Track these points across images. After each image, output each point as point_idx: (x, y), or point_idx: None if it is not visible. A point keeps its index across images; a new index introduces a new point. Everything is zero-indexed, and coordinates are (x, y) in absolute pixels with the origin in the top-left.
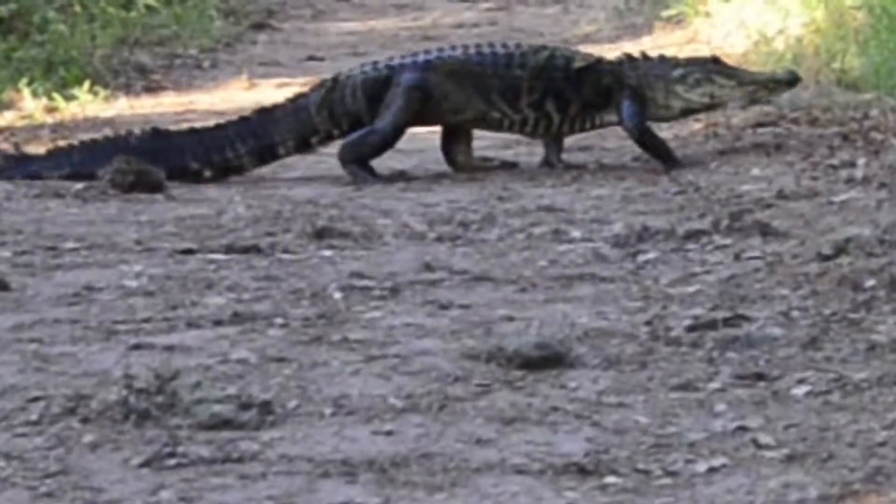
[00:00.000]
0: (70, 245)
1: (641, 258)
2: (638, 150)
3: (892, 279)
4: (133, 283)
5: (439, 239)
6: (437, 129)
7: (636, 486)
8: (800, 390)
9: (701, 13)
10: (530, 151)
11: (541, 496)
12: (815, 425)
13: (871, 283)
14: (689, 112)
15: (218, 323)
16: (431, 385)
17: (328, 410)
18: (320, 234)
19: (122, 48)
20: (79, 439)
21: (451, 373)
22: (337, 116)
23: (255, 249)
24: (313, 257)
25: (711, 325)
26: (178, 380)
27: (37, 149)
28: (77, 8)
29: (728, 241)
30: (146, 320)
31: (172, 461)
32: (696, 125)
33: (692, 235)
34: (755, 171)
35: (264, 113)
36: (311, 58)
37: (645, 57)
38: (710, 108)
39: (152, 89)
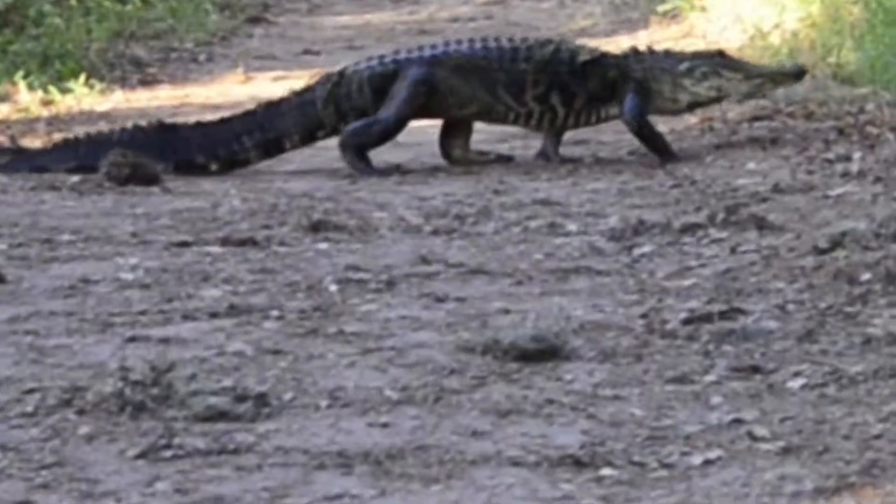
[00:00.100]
0: (66, 237)
1: (637, 251)
2: (634, 144)
3: (888, 273)
4: (129, 276)
5: (435, 232)
6: (434, 122)
7: (632, 478)
8: (795, 383)
9: (697, 7)
10: (526, 145)
11: (536, 488)
12: (810, 418)
13: (866, 276)
14: (696, 105)
15: (214, 315)
16: (427, 377)
17: (324, 402)
18: (316, 227)
19: (117, 41)
20: (74, 431)
21: (446, 365)
22: (343, 111)
23: (251, 242)
24: (309, 250)
25: (707, 318)
26: (173, 372)
27: (32, 142)
28: (73, 1)
29: (724, 234)
30: (142, 312)
31: (168, 453)
32: (692, 119)
33: (688, 229)
34: (751, 165)
35: (270, 107)
36: (307, 51)
37: (651, 51)
38: (717, 101)
39: (148, 83)
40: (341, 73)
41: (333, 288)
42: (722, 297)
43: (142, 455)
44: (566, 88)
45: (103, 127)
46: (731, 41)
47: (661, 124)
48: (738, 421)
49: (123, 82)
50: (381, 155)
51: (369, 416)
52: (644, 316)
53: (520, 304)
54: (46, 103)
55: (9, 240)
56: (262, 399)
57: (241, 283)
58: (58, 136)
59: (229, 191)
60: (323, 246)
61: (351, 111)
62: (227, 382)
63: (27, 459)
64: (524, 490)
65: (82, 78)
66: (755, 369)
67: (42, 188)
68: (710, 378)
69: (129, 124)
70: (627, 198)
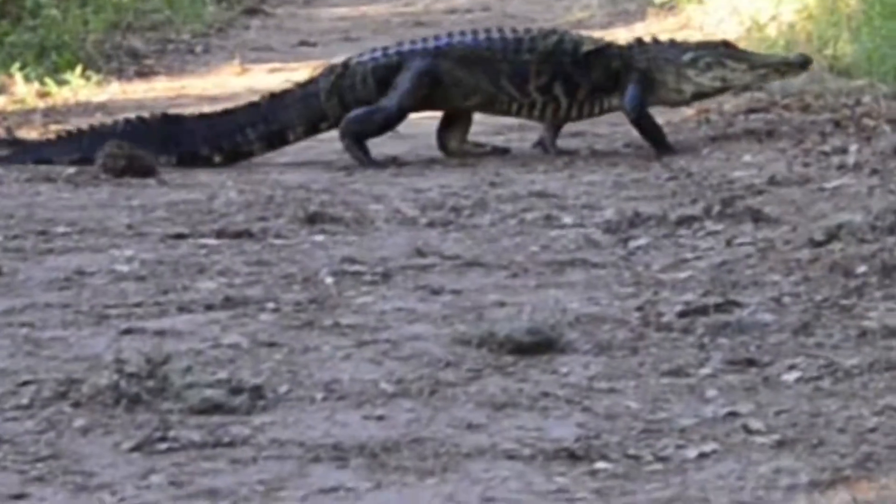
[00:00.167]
0: (61, 229)
1: (633, 244)
2: (630, 137)
3: (884, 265)
4: (124, 268)
5: (431, 224)
6: (430, 113)
7: (627, 471)
8: (791, 376)
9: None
10: (522, 137)
11: (531, 481)
12: (805, 411)
13: (862, 269)
14: (701, 96)
15: (209, 307)
16: (422, 370)
17: (319, 395)
18: (312, 219)
19: (114, 33)
20: (70, 423)
21: (442, 358)
22: (347, 102)
23: (247, 234)
24: (305, 242)
25: (703, 310)
26: (169, 364)
27: (29, 134)
28: None
29: (720, 227)
30: (137, 305)
31: (163, 445)
32: (688, 111)
33: (684, 221)
34: (747, 158)
35: (274, 98)
36: (304, 43)
37: (656, 41)
38: (721, 91)
39: (144, 74)
40: (345, 65)
41: (329, 280)
42: (717, 290)
43: (137, 447)
44: (569, 79)
45: (100, 118)
46: (728, 33)
47: (657, 116)
48: (733, 414)
49: (120, 74)
50: (377, 147)
51: (365, 409)
52: (640, 308)
53: (515, 297)
54: (43, 95)
55: (4, 231)
56: (257, 391)
57: (237, 275)
58: (55, 128)
59: (225, 183)
60: (319, 238)
61: (355, 103)
62: (223, 375)
63: (22, 452)
64: (519, 483)
65: (79, 69)
66: (750, 362)
67: (38, 180)
68: (705, 371)
69: (133, 116)
70: (623, 190)
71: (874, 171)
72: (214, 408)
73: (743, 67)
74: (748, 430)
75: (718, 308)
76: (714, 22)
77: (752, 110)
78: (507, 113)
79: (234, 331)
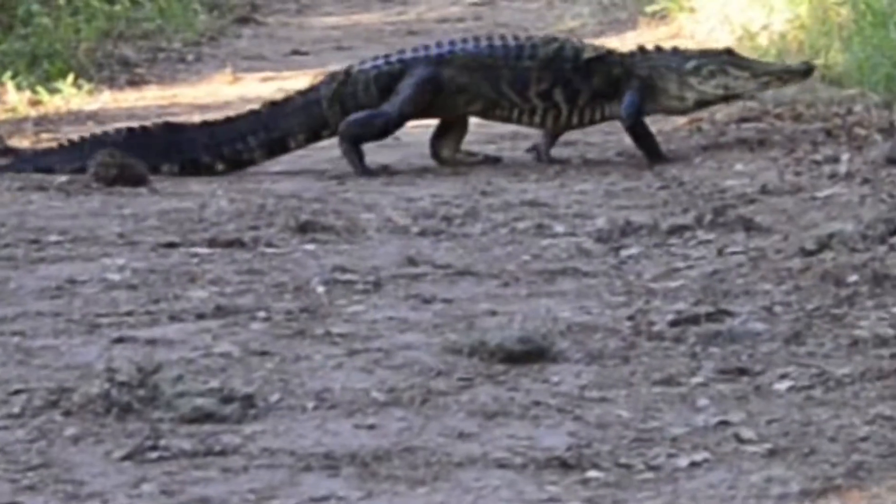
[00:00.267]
0: (53, 238)
1: (624, 253)
2: (621, 146)
3: (875, 275)
4: (116, 277)
5: (422, 233)
6: (421, 123)
7: (618, 480)
8: (782, 385)
9: (685, 8)
10: (514, 146)
11: (522, 490)
12: (797, 420)
13: (853, 278)
14: (703, 104)
15: (200, 316)
16: (414, 379)
17: (310, 404)
18: (303, 228)
19: (106, 41)
20: (61, 432)
21: (433, 367)
22: (349, 110)
23: (239, 243)
24: (296, 251)
25: (694, 319)
26: (160, 373)
27: (20, 142)
28: (61, 1)
29: (711, 236)
30: (129, 313)
31: (154, 454)
32: (679, 120)
33: (675, 230)
34: (739, 167)
35: (275, 106)
36: (296, 52)
37: (658, 49)
38: (724, 99)
39: (136, 83)
40: (347, 73)
41: (320, 289)
42: (709, 299)
43: (128, 456)
44: (570, 85)
45: (92, 127)
46: (719, 42)
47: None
48: (724, 423)
49: (111, 82)
50: (369, 155)
51: (356, 418)
52: (631, 318)
53: (507, 306)
54: (34, 103)
55: None
56: (248, 400)
57: (228, 284)
58: (46, 136)
59: (217, 191)
60: (310, 247)
61: (356, 110)
62: (214, 384)
63: (13, 461)
64: (510, 492)
65: (70, 78)
66: (742, 371)
67: (29, 188)
68: (696, 380)
69: (136, 125)
70: (615, 199)
71: (866, 181)
72: (205, 416)
73: (746, 75)
74: (739, 439)
75: (710, 317)
76: (705, 31)
77: (743, 119)
78: (507, 119)
79: (225, 340)
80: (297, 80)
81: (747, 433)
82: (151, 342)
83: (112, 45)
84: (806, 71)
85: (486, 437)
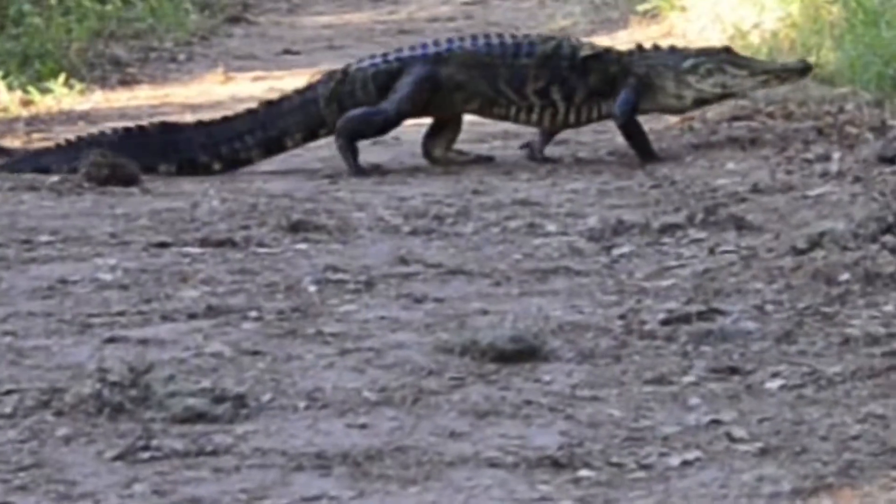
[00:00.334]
0: (45, 238)
1: (616, 252)
2: (613, 145)
3: (866, 273)
4: (107, 277)
5: (414, 232)
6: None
7: (610, 479)
8: (773, 384)
9: (676, 7)
10: (506, 146)
11: (514, 489)
12: (788, 419)
13: (845, 276)
14: (702, 102)
15: (192, 316)
16: (405, 378)
17: (302, 404)
18: (295, 228)
19: (97, 41)
20: (52, 432)
21: (425, 366)
22: (346, 109)
23: (230, 243)
24: (288, 251)
25: (686, 318)
26: (151, 373)
27: (12, 143)
28: (52, 1)
29: (703, 234)
30: (120, 313)
31: (146, 454)
32: (671, 119)
33: (667, 229)
34: (730, 166)
35: (272, 105)
36: (287, 51)
37: (656, 47)
38: (722, 98)
39: (128, 82)
40: (345, 72)
41: (312, 289)
42: (700, 298)
43: (120, 456)
44: (567, 83)
45: (83, 127)
46: (711, 41)
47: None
48: (716, 422)
49: (103, 82)
50: (361, 154)
51: (347, 418)
52: (622, 317)
53: (498, 305)
54: (26, 103)
55: None
56: (240, 400)
57: (220, 283)
58: (38, 136)
59: (208, 191)
60: (302, 246)
61: (354, 109)
62: (206, 383)
63: (5, 461)
64: (502, 491)
65: (62, 78)
66: (733, 370)
67: (21, 188)
68: (688, 379)
69: (133, 125)
70: (607, 198)
71: (857, 179)
72: (197, 416)
73: (744, 74)
74: (731, 438)
75: (701, 316)
76: (697, 30)
77: (735, 118)
78: (505, 117)
79: (216, 339)
80: (289, 80)
81: (739, 432)
82: (143, 342)
83: (103, 44)
84: (804, 69)
85: (477, 436)
